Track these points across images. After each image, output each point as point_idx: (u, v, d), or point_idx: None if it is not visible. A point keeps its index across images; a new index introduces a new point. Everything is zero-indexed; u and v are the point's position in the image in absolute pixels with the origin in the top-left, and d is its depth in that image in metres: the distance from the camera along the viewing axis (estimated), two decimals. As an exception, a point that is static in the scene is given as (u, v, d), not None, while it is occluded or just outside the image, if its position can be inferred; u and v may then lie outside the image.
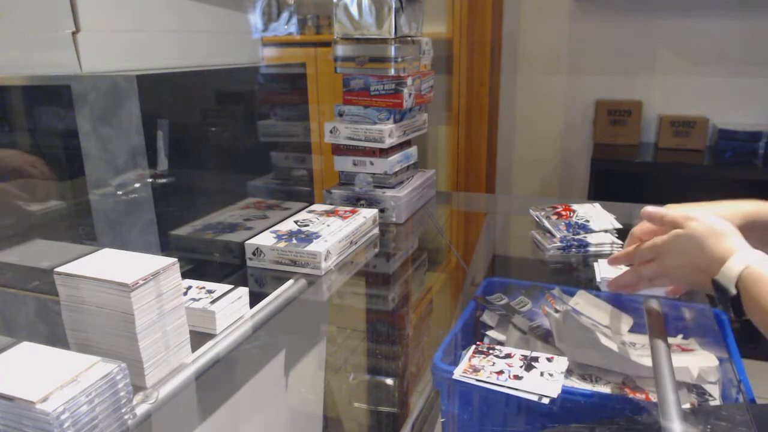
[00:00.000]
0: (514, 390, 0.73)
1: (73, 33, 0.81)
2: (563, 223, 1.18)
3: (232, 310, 0.74)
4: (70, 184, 0.90)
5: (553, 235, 1.13)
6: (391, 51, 1.16)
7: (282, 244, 0.95)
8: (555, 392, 0.72)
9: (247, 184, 1.09)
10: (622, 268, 0.94)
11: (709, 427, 0.63)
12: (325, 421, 1.07)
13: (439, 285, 1.30)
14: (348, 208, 1.14)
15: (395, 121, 1.21)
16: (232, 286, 0.77)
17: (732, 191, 2.54)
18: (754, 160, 2.17)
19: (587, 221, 1.21)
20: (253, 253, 0.96)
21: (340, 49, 1.20)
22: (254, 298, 0.79)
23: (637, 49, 2.42)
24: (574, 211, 1.23)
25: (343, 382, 1.17)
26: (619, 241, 1.09)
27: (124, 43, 0.90)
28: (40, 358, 0.51)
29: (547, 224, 1.17)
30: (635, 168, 2.26)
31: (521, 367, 0.78)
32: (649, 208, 0.79)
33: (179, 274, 0.62)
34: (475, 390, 0.77)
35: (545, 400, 0.71)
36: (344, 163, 1.25)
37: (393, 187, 1.23)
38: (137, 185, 0.81)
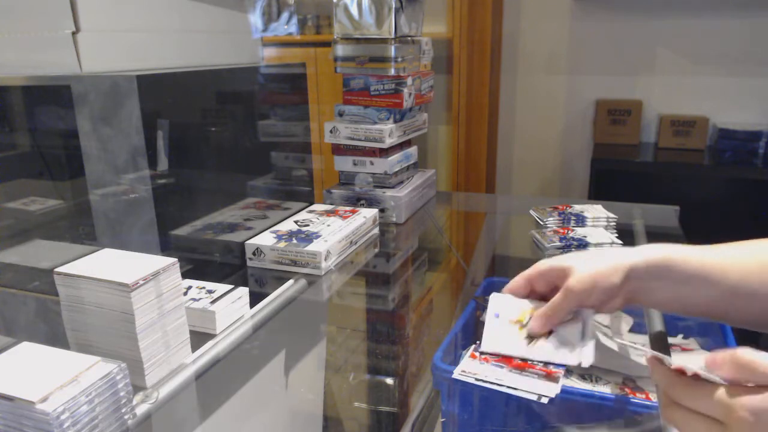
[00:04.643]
0: (514, 390, 0.73)
1: (73, 33, 0.81)
2: (558, 214, 1.20)
3: (232, 310, 0.74)
4: (70, 184, 0.90)
5: (546, 226, 1.15)
6: (391, 51, 1.16)
7: (282, 244, 0.95)
8: (554, 392, 0.72)
9: (247, 184, 1.09)
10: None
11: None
12: (325, 421, 1.07)
13: (439, 285, 1.30)
14: (348, 208, 1.14)
15: (395, 121, 1.21)
16: (232, 286, 0.77)
17: (732, 190, 2.54)
18: (754, 160, 2.17)
19: (582, 211, 1.21)
20: (254, 253, 0.96)
21: (340, 49, 1.20)
22: (254, 298, 0.79)
23: (637, 49, 2.42)
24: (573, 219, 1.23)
25: (343, 382, 1.17)
26: (619, 241, 1.09)
27: (124, 43, 0.90)
28: (40, 358, 0.51)
29: (542, 220, 1.17)
30: (635, 168, 2.26)
31: (521, 367, 0.78)
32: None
33: (179, 274, 0.62)
34: (475, 390, 0.77)
35: (544, 400, 0.71)
36: (344, 163, 1.25)
37: (393, 187, 1.23)
38: (137, 185, 0.81)
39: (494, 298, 0.68)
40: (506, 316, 0.74)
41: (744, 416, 0.40)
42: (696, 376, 0.43)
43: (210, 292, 0.75)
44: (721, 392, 0.42)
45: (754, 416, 0.39)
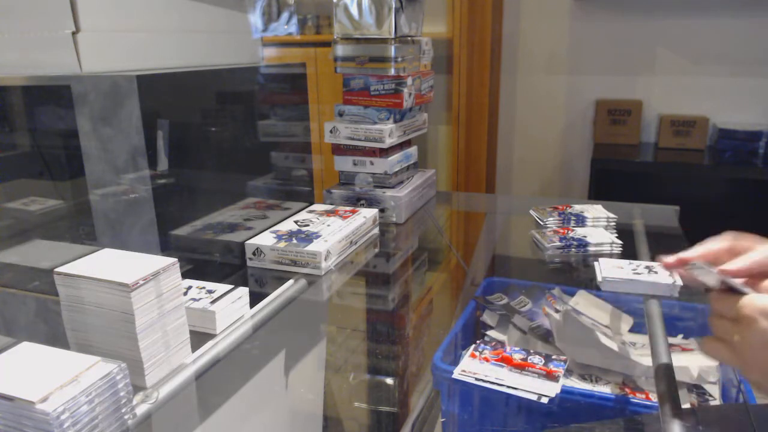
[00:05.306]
0: (514, 389, 0.73)
1: (73, 33, 0.81)
2: (558, 214, 1.20)
3: (232, 310, 0.74)
4: (70, 184, 0.90)
5: (546, 226, 1.15)
6: (391, 51, 1.16)
7: (282, 244, 0.95)
8: (554, 392, 0.72)
9: (247, 184, 1.09)
10: (623, 269, 0.94)
11: (709, 427, 0.63)
12: (325, 421, 1.07)
13: (439, 285, 1.30)
14: (348, 208, 1.14)
15: (395, 121, 1.21)
16: (232, 286, 0.77)
17: (732, 190, 2.53)
18: (754, 160, 2.17)
19: (582, 211, 1.21)
20: (254, 253, 0.96)
21: (340, 49, 1.20)
22: (254, 298, 0.79)
23: (637, 49, 2.42)
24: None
25: (343, 382, 1.17)
26: (619, 241, 1.09)
27: (124, 43, 0.90)
28: (40, 358, 0.51)
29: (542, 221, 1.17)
30: (635, 168, 2.26)
31: (521, 367, 0.78)
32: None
33: (179, 274, 0.62)
34: (475, 390, 0.77)
35: (544, 400, 0.71)
36: (344, 163, 1.25)
37: (393, 187, 1.23)
38: (137, 185, 0.81)
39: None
40: None
41: (748, 313, 0.47)
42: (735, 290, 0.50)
43: (210, 292, 0.75)
44: (743, 298, 0.49)
45: (759, 314, 0.46)
